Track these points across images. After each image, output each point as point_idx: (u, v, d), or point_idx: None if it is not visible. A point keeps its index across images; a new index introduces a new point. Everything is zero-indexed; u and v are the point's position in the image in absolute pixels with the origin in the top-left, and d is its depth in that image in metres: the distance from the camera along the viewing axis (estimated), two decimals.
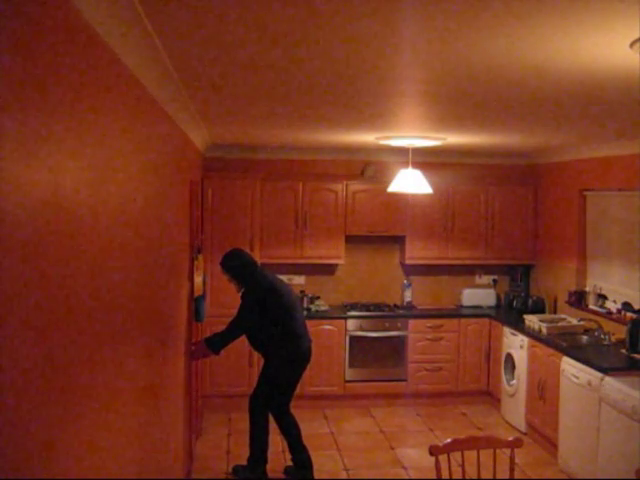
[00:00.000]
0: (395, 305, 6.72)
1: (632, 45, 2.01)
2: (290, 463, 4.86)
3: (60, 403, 1.39)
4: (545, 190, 6.63)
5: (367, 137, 5.12)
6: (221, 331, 4.70)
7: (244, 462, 4.86)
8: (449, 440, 3.08)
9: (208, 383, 6.05)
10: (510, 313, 6.49)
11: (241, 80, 2.84)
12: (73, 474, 1.48)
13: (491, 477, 3.09)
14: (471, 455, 3.12)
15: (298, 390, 6.12)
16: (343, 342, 6.21)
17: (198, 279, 4.75)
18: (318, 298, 6.57)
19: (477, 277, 7.00)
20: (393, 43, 2.12)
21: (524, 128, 4.47)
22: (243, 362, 6.12)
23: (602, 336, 5.23)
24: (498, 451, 3.15)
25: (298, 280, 6.67)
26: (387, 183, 5.45)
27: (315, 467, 4.90)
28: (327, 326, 6.21)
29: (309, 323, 6.12)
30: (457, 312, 6.62)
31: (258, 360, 6.12)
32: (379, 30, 1.95)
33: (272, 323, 4.63)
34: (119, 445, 2.02)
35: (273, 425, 4.83)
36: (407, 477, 4.84)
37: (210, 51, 2.30)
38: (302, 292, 6.51)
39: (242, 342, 6.08)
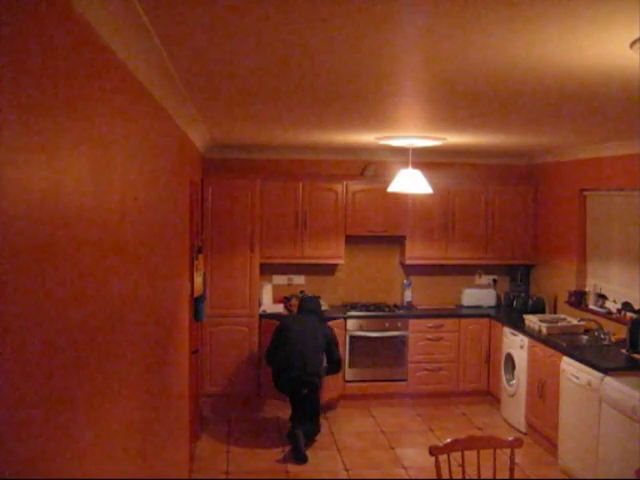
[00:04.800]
0: (395, 305, 6.72)
1: (632, 45, 2.01)
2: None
3: (62, 403, 1.39)
4: (545, 190, 6.63)
5: (367, 137, 5.12)
6: None
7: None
8: (449, 440, 3.08)
9: (208, 383, 6.05)
10: (510, 313, 6.48)
11: (241, 80, 2.84)
12: (73, 474, 1.48)
13: (491, 477, 3.10)
14: (471, 455, 3.12)
15: None
16: (343, 342, 6.20)
17: (198, 279, 4.76)
18: (318, 298, 6.57)
19: (477, 277, 7.00)
20: (393, 43, 2.12)
21: (524, 128, 4.47)
22: (243, 362, 6.12)
23: (602, 336, 5.22)
24: (498, 451, 3.15)
25: (298, 280, 6.68)
26: (387, 183, 5.45)
27: (315, 467, 4.91)
28: None
29: None
30: (457, 312, 6.62)
31: (258, 359, 6.12)
32: (379, 30, 1.95)
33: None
34: (120, 445, 2.02)
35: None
36: (407, 477, 4.84)
37: (210, 51, 2.30)
38: (302, 292, 6.51)
39: (242, 342, 6.10)
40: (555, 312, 6.28)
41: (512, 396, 5.82)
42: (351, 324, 6.25)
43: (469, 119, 4.01)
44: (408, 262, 6.64)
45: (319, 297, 5.88)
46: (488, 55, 2.24)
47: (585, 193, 5.98)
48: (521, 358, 5.64)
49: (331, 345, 5.46)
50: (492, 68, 2.45)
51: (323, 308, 6.42)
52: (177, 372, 3.66)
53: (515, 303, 6.61)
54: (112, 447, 1.91)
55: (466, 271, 6.93)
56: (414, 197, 6.28)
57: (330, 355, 5.47)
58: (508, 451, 3.16)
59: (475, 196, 6.62)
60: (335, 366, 5.57)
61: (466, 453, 3.10)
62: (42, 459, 1.28)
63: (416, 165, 5.33)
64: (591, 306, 5.75)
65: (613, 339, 5.13)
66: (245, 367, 6.13)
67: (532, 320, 5.71)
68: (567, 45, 2.08)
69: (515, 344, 5.77)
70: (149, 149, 2.59)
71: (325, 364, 5.46)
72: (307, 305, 5.74)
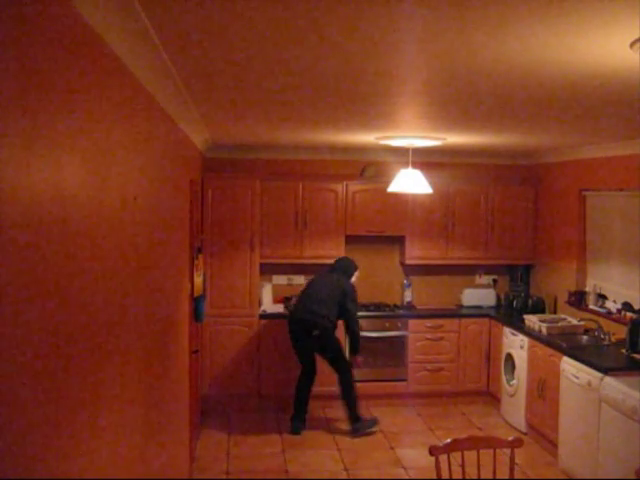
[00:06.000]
0: (395, 305, 6.71)
1: (632, 45, 2.01)
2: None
3: (61, 403, 1.39)
4: (545, 190, 6.63)
5: (367, 137, 5.12)
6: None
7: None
8: (449, 440, 3.07)
9: (208, 383, 6.05)
10: (510, 313, 6.48)
11: (241, 80, 2.84)
12: (73, 474, 1.48)
13: (491, 477, 3.09)
14: (471, 455, 3.12)
15: None
16: (343, 342, 6.20)
17: (198, 279, 4.76)
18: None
19: (477, 277, 7.00)
20: (394, 43, 2.12)
21: (524, 128, 4.47)
22: (243, 362, 6.12)
23: (602, 336, 5.22)
24: (498, 451, 3.15)
25: (298, 280, 6.67)
26: (387, 183, 5.45)
27: (315, 467, 4.91)
28: None
29: None
30: (457, 312, 6.62)
31: (258, 360, 6.12)
32: (380, 30, 1.95)
33: None
34: (120, 445, 2.02)
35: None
36: (407, 477, 4.84)
37: (210, 51, 2.30)
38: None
39: (242, 342, 6.10)
40: (555, 312, 6.28)
41: (512, 396, 5.82)
42: None
43: (469, 119, 4.01)
44: (408, 262, 6.64)
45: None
46: (488, 55, 2.24)
47: (585, 193, 5.98)
48: (521, 358, 5.64)
49: (345, 298, 5.56)
50: (492, 68, 2.45)
51: None
52: (177, 372, 3.66)
53: (515, 303, 6.61)
54: (112, 447, 1.91)
55: (466, 271, 6.92)
56: (414, 197, 6.28)
57: (344, 312, 5.57)
58: (508, 451, 3.16)
59: (475, 196, 6.62)
60: (352, 336, 5.66)
61: (466, 453, 3.10)
62: (42, 460, 1.28)
63: (416, 165, 5.33)
64: (591, 306, 5.74)
65: (613, 339, 5.13)
66: (245, 367, 6.12)
67: (532, 320, 5.71)
68: (567, 45, 2.08)
69: (515, 344, 5.77)
70: (149, 149, 2.59)
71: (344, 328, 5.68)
72: (337, 263, 5.94)
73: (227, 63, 2.49)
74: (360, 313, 6.32)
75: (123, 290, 2.04)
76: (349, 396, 5.62)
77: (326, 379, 6.19)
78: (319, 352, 5.65)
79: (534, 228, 6.73)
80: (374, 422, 5.68)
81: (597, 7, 1.68)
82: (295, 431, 5.57)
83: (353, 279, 5.84)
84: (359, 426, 5.59)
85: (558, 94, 3.01)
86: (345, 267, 5.87)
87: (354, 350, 5.72)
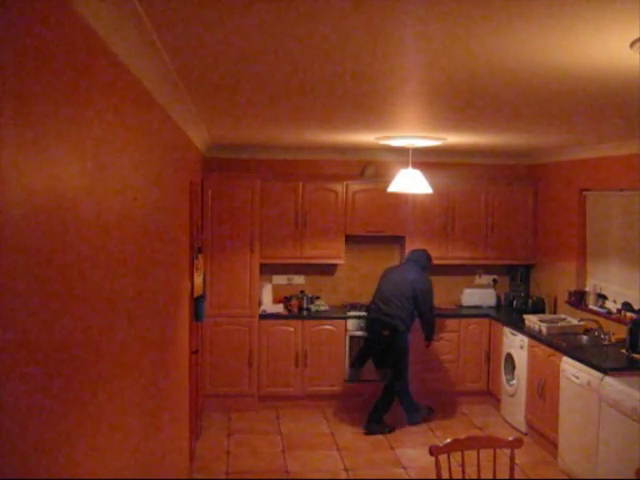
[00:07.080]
0: None
1: (632, 45, 2.01)
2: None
3: (61, 403, 1.39)
4: (545, 190, 6.63)
5: (367, 137, 5.12)
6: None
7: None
8: (449, 440, 3.08)
9: (208, 383, 6.05)
10: (510, 313, 6.48)
11: (241, 80, 2.84)
12: (73, 474, 1.48)
13: (491, 477, 3.10)
14: (471, 455, 3.12)
15: (299, 389, 6.12)
16: (343, 342, 6.20)
17: (198, 279, 4.76)
18: (318, 298, 6.57)
19: (477, 277, 6.99)
20: (394, 44, 2.12)
21: (524, 128, 4.47)
22: (243, 362, 6.11)
23: (602, 336, 5.22)
24: (498, 451, 3.15)
25: (298, 280, 6.67)
26: (387, 183, 5.45)
27: (315, 467, 4.91)
28: (327, 326, 6.21)
29: (308, 323, 6.16)
30: (457, 312, 6.61)
31: (258, 360, 6.12)
32: (380, 30, 1.95)
33: None
34: (120, 445, 2.02)
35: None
36: (407, 477, 4.84)
37: (210, 51, 2.30)
38: (302, 292, 6.51)
39: (242, 342, 6.10)
40: (555, 312, 6.28)
41: (512, 396, 5.82)
42: (351, 324, 6.24)
43: (469, 119, 4.00)
44: None
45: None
46: (488, 56, 2.24)
47: (585, 193, 5.98)
48: (521, 358, 5.64)
49: (418, 297, 5.63)
50: (492, 69, 2.45)
51: (323, 308, 6.43)
52: (177, 372, 3.66)
53: (515, 303, 6.61)
54: (112, 447, 1.91)
55: (466, 271, 6.92)
56: (414, 197, 6.28)
57: (419, 308, 5.65)
58: (508, 451, 3.16)
59: (475, 196, 6.62)
60: (425, 326, 5.76)
61: (466, 453, 3.10)
62: (40, 461, 1.28)
63: (416, 165, 5.33)
64: (591, 306, 5.74)
65: (613, 339, 5.12)
66: (245, 367, 6.12)
67: (532, 320, 5.71)
68: (567, 45, 2.08)
69: (515, 344, 5.77)
70: (149, 149, 2.59)
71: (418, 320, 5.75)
72: (411, 255, 6.01)
73: (227, 63, 2.49)
74: (360, 313, 6.33)
75: (123, 289, 2.04)
76: (386, 401, 5.72)
77: (324, 380, 6.20)
78: (384, 352, 5.69)
79: (534, 228, 6.73)
80: (390, 429, 5.70)
81: (597, 7, 1.68)
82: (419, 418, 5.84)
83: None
84: (377, 428, 5.65)
85: (558, 94, 3.01)
86: (417, 257, 5.91)
87: (427, 337, 5.83)
